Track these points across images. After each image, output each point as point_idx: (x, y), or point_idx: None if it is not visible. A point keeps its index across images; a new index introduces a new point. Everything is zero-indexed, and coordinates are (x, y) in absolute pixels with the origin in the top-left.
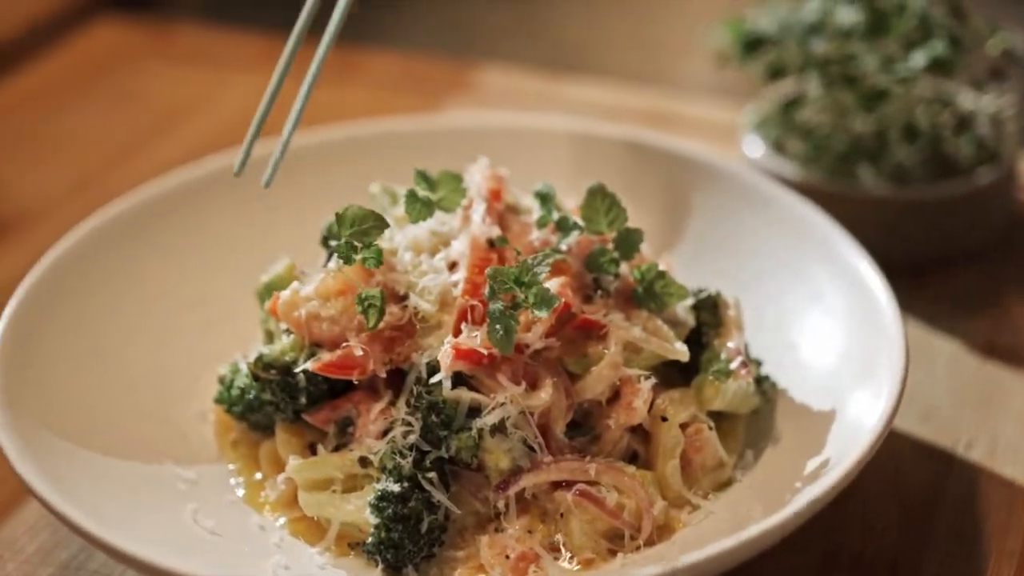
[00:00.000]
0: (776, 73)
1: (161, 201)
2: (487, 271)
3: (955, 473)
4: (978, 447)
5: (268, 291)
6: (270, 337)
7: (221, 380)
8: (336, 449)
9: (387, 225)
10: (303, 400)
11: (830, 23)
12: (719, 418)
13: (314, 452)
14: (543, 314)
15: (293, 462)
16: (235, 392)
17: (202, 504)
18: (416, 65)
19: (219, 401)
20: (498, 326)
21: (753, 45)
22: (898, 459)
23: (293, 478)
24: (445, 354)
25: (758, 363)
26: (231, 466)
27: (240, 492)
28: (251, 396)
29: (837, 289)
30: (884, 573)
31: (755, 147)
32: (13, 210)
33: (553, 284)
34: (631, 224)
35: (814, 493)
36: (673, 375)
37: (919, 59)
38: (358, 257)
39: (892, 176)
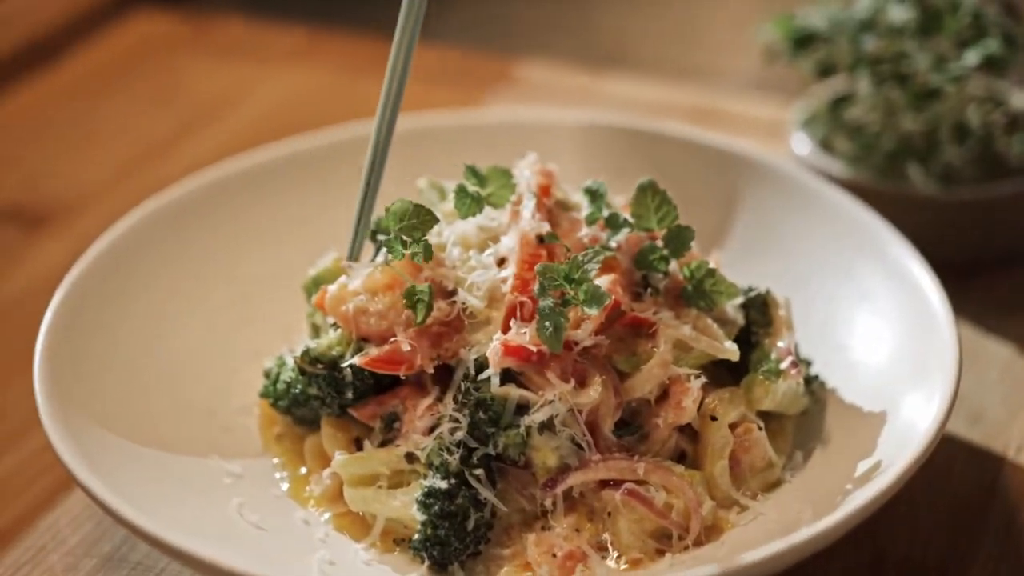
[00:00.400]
0: (826, 70)
1: (206, 193)
2: (537, 267)
3: (1005, 477)
4: None
5: (315, 285)
6: (316, 331)
7: (267, 374)
8: (382, 445)
9: (436, 220)
10: (349, 395)
11: (881, 21)
12: (767, 418)
13: (359, 447)
14: (593, 311)
15: (339, 457)
16: (281, 386)
17: (247, 498)
18: (457, 60)
19: (264, 395)
20: (548, 323)
21: (803, 42)
22: (947, 463)
23: (339, 473)
24: (494, 350)
25: (808, 363)
26: (275, 461)
27: (284, 487)
28: (297, 390)
29: (888, 289)
30: None
31: (803, 144)
32: (52, 201)
33: (603, 281)
34: (680, 222)
35: (865, 497)
36: (722, 374)
37: (972, 58)
38: (407, 252)
39: (941, 176)
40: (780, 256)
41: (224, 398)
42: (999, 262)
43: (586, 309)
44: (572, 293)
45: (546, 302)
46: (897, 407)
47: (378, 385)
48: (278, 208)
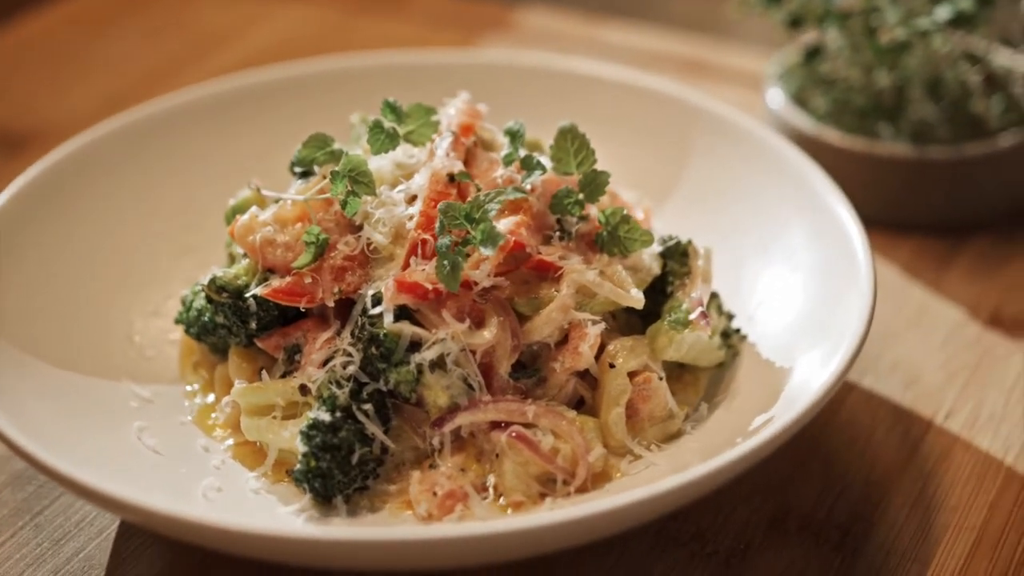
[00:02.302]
0: (796, 22)
1: (157, 120)
2: (439, 206)
3: (929, 443)
4: (958, 417)
5: (234, 214)
6: (232, 261)
7: (183, 301)
8: (284, 376)
9: (337, 155)
10: (253, 325)
11: None
12: (681, 369)
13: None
14: (489, 252)
15: (237, 386)
16: (193, 314)
17: (150, 423)
18: (460, 4)
19: (178, 321)
20: (445, 262)
21: None
22: (872, 425)
23: (237, 401)
24: (388, 286)
25: (729, 316)
26: (189, 388)
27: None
28: (206, 318)
29: (817, 245)
30: (833, 535)
31: (776, 98)
32: (36, 127)
33: (507, 223)
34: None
35: (739, 452)
36: (635, 323)
37: (942, 13)
38: (317, 179)
39: (913, 134)
40: (726, 206)
41: (149, 325)
42: (968, 225)
43: (482, 249)
44: (472, 233)
45: (444, 240)
46: (803, 362)
47: (284, 317)
48: (223, 140)
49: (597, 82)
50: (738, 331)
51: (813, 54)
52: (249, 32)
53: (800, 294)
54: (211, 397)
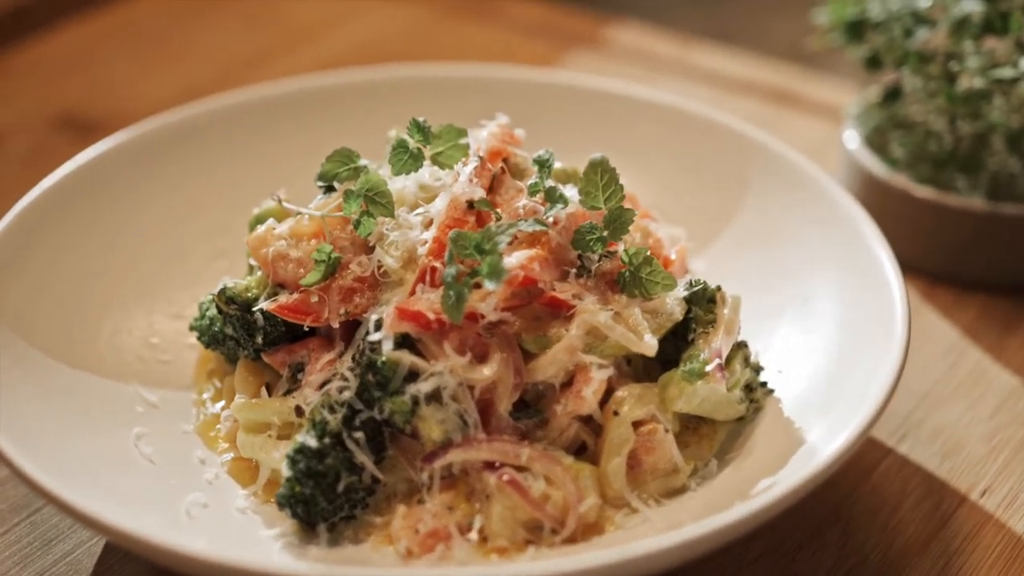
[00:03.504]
0: (875, 62)
1: (207, 119)
2: (450, 234)
3: (959, 519)
4: (995, 495)
5: (257, 224)
6: (251, 272)
7: (199, 307)
8: (287, 394)
9: (357, 172)
10: (260, 339)
11: (943, 15)
12: (698, 422)
13: (270, 394)
14: (491, 285)
15: (238, 400)
16: (205, 322)
17: (152, 429)
18: (553, 14)
19: (192, 328)
20: (451, 292)
21: (856, 29)
22: (901, 495)
23: (236, 416)
24: (388, 313)
25: (757, 368)
26: (204, 396)
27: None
28: (216, 328)
29: (859, 300)
30: None
31: (852, 139)
32: (111, 113)
33: (519, 256)
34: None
35: (725, 520)
36: (655, 370)
37: None
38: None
39: (991, 188)
40: (771, 252)
41: (173, 328)
42: None
43: (486, 283)
44: (480, 264)
45: (451, 270)
46: (822, 424)
47: (292, 334)
48: (279, 143)
49: (656, 110)
50: (764, 385)
51: (892, 96)
52: (338, 29)
53: (833, 352)
54: (220, 406)
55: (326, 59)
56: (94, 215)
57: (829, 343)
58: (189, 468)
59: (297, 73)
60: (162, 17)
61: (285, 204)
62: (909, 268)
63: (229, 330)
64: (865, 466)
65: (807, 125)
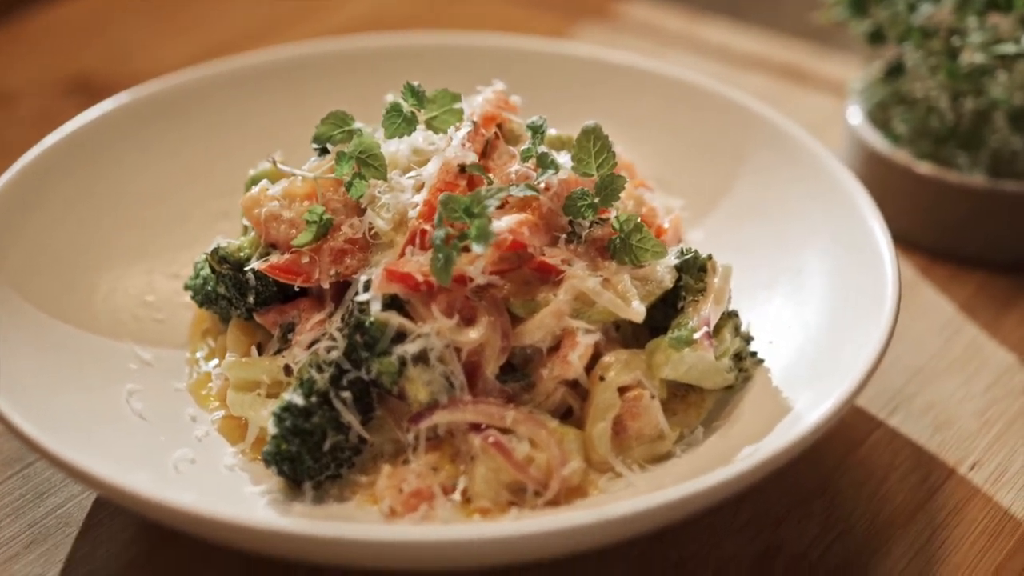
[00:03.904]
0: (878, 37)
1: (209, 83)
2: (440, 197)
3: (946, 492)
4: (984, 469)
5: (252, 185)
6: (245, 232)
7: (195, 266)
8: (277, 353)
9: (351, 135)
10: (251, 299)
11: None
12: (686, 390)
13: (261, 353)
14: (479, 248)
15: (228, 359)
16: (199, 281)
17: (144, 386)
18: None
19: (186, 287)
20: (440, 255)
21: (860, 3)
22: (889, 467)
23: (226, 374)
24: (377, 274)
25: (747, 338)
26: (198, 354)
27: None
28: (210, 287)
29: (851, 272)
30: None
31: (855, 115)
32: (125, 77)
33: (508, 220)
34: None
35: (708, 483)
36: (645, 337)
37: None
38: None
39: (991, 165)
40: (768, 223)
41: (169, 287)
42: None
43: (473, 246)
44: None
45: (440, 232)
46: (808, 394)
47: (283, 294)
48: (281, 108)
49: (658, 82)
50: (754, 355)
51: (895, 71)
52: (347, 1)
53: (824, 323)
54: (213, 365)
55: (338, 28)
56: (95, 175)
57: (820, 315)
58: (180, 425)
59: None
60: None
61: (280, 166)
62: (908, 243)
63: (222, 289)
64: (855, 438)
65: (815, 100)
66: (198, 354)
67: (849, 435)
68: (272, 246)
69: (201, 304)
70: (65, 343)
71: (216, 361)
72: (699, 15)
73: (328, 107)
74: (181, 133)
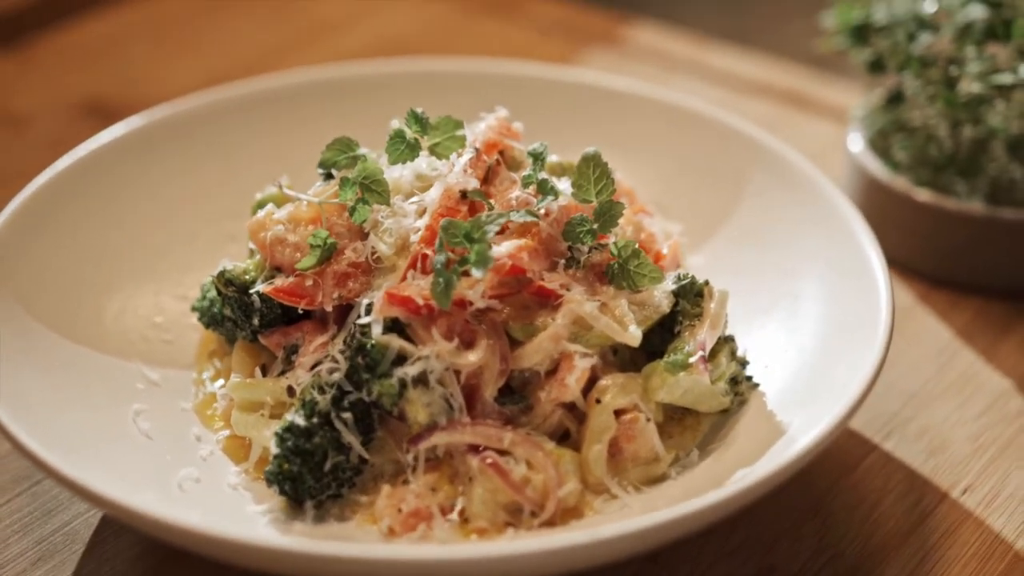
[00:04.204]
0: (878, 66)
1: (214, 109)
2: (441, 222)
3: (939, 516)
4: (976, 493)
5: (258, 209)
6: (252, 255)
7: (202, 288)
8: (281, 375)
9: (356, 160)
10: (256, 321)
11: (947, 20)
12: (683, 413)
13: (265, 374)
14: (478, 273)
15: (233, 379)
16: (206, 303)
17: (151, 406)
18: (573, 13)
19: (194, 309)
20: (440, 279)
21: (860, 33)
22: (883, 491)
23: (230, 395)
24: (379, 298)
25: (742, 362)
26: (205, 376)
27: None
28: (216, 309)
29: (847, 298)
30: None
31: (856, 142)
32: (137, 100)
33: (508, 246)
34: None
35: (699, 505)
36: (642, 361)
37: None
38: (335, 182)
39: (990, 193)
40: (766, 249)
41: (177, 308)
42: None
43: (473, 270)
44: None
45: (440, 257)
46: (802, 418)
47: (287, 316)
48: (290, 131)
49: (659, 108)
50: (750, 379)
51: (895, 99)
52: (359, 24)
53: (819, 348)
54: (219, 385)
55: (346, 53)
56: (106, 197)
57: (815, 339)
58: (185, 444)
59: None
60: (189, 8)
61: (286, 190)
62: (908, 270)
63: (227, 311)
64: (849, 462)
65: (818, 127)
66: (204, 375)
67: (843, 459)
68: (277, 269)
69: (207, 325)
70: (73, 362)
71: (222, 382)
72: (705, 41)
73: (334, 132)
74: (190, 157)
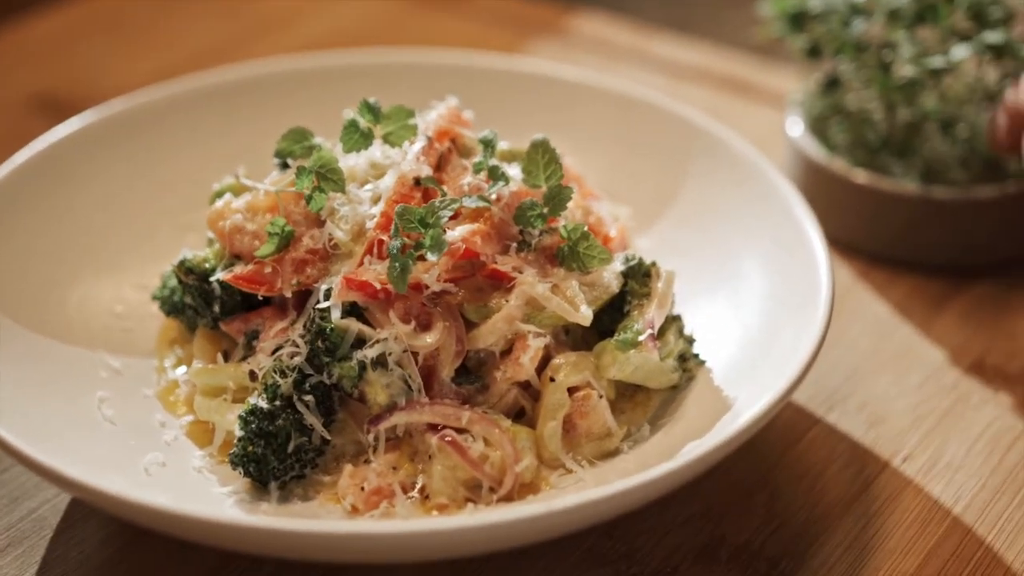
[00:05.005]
0: (814, 52)
1: (167, 102)
2: (396, 208)
3: (880, 484)
4: (916, 462)
5: (216, 199)
6: (211, 244)
7: (162, 278)
8: (242, 360)
9: (311, 150)
10: (217, 308)
11: (877, 6)
12: (634, 390)
13: (227, 360)
14: (433, 257)
15: (195, 365)
16: (166, 291)
17: (114, 393)
18: (517, 4)
19: (154, 297)
20: (396, 264)
21: (796, 20)
22: (827, 461)
23: (193, 381)
24: (337, 283)
25: (690, 340)
26: (167, 363)
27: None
28: (176, 298)
29: (790, 275)
30: (761, 567)
31: (794, 126)
32: (87, 96)
33: (462, 230)
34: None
35: (650, 476)
36: (594, 340)
37: (961, 52)
38: (291, 171)
39: (924, 173)
40: (711, 229)
41: (137, 298)
42: (973, 268)
43: (428, 254)
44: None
45: (396, 243)
46: (747, 392)
47: (247, 303)
48: (243, 123)
49: (604, 95)
50: (697, 356)
51: (831, 84)
52: (311, 18)
53: (763, 324)
54: (181, 372)
55: (296, 46)
56: (64, 192)
57: (759, 316)
58: (149, 430)
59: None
60: (137, 4)
61: (243, 180)
62: (848, 249)
63: (188, 299)
64: (793, 435)
65: (758, 112)
66: (165, 362)
67: (788, 432)
68: (236, 257)
69: (168, 314)
70: (39, 353)
71: (184, 369)
72: (647, 29)
73: (288, 123)
74: (146, 150)
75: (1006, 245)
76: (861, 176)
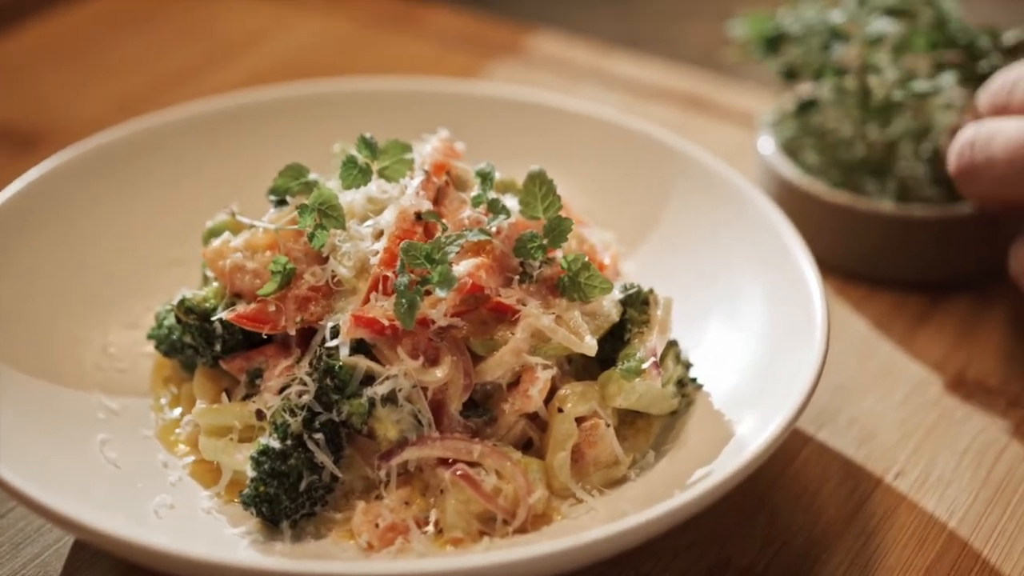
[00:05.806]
0: (791, 75)
1: (146, 136)
2: (401, 245)
3: (875, 501)
4: (908, 477)
5: (211, 236)
6: (206, 282)
7: (156, 317)
8: (245, 399)
9: (311, 186)
10: (218, 347)
11: (858, 31)
12: (634, 416)
13: (230, 398)
14: (443, 293)
15: (199, 405)
16: (163, 331)
17: (114, 435)
18: (474, 25)
19: (150, 337)
20: (403, 300)
21: (773, 43)
22: (821, 480)
23: (197, 421)
24: (345, 320)
25: (687, 365)
26: (162, 401)
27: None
28: (175, 337)
29: (780, 297)
30: None
31: (767, 146)
32: (48, 126)
33: (467, 265)
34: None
35: (665, 508)
36: (595, 368)
37: (948, 79)
38: (290, 208)
39: (899, 192)
40: (696, 252)
41: (128, 337)
42: (948, 284)
43: (437, 290)
44: (431, 273)
45: (403, 279)
46: (750, 417)
47: (249, 341)
48: (223, 156)
49: (583, 120)
50: (694, 380)
51: (807, 106)
52: (268, 42)
53: (758, 348)
54: (178, 411)
55: (257, 71)
56: (45, 232)
57: (754, 339)
58: (153, 471)
59: (229, 85)
60: (92, 29)
61: (239, 217)
62: (824, 266)
63: (188, 339)
64: (788, 455)
65: (720, 130)
66: (162, 401)
67: (782, 453)
68: (237, 296)
69: (166, 353)
70: (35, 395)
71: (180, 408)
72: (605, 48)
73: (269, 154)
74: (126, 186)
75: (981, 261)
76: (837, 196)
